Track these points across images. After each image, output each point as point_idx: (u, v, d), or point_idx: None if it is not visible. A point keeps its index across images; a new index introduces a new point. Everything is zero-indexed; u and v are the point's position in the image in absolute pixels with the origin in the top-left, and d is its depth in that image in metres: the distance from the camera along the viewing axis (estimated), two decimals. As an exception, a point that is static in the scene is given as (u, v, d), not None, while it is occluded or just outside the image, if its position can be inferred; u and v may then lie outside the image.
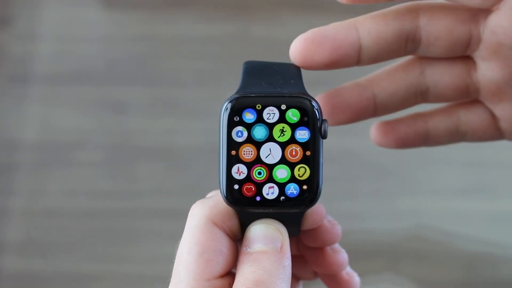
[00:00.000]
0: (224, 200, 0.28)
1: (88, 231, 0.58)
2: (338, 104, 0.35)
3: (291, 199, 0.28)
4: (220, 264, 0.28)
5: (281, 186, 0.28)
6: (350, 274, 0.34)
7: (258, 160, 0.28)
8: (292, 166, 0.28)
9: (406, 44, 0.33)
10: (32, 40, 0.66)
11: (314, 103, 0.28)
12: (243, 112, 0.28)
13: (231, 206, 0.28)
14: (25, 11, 0.67)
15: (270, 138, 0.28)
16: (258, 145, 0.28)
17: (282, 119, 0.28)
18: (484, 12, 0.32)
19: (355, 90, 0.35)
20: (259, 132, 0.28)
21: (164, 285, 0.29)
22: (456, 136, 0.37)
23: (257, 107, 0.28)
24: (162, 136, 0.62)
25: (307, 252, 0.33)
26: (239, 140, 0.28)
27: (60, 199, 0.60)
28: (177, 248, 0.29)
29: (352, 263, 0.34)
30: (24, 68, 0.64)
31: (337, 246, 0.33)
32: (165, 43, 0.66)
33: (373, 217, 0.59)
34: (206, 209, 0.29)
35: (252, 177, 0.28)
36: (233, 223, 0.29)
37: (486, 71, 0.33)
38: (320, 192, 0.28)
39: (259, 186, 0.28)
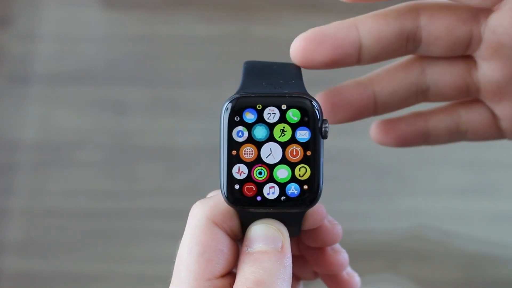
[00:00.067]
0: (224, 200, 0.28)
1: (88, 231, 0.58)
2: (338, 103, 0.35)
3: (291, 199, 0.28)
4: (220, 264, 0.28)
5: (282, 186, 0.28)
6: (350, 274, 0.34)
7: (258, 160, 0.28)
8: (292, 166, 0.28)
9: (407, 44, 0.33)
10: (32, 40, 0.66)
11: (314, 103, 0.28)
12: (244, 112, 0.28)
13: (232, 206, 0.28)
14: (25, 11, 0.67)
15: (271, 138, 0.28)
16: (258, 145, 0.28)
17: (282, 119, 0.28)
18: (485, 11, 0.32)
19: (356, 89, 0.35)
20: (260, 132, 0.28)
21: (164, 285, 0.29)
22: (457, 135, 0.37)
23: (257, 107, 0.28)
24: (162, 136, 0.62)
25: (307, 252, 0.33)
26: (240, 140, 0.28)
27: (60, 199, 0.60)
28: (178, 248, 0.29)
29: (352, 263, 0.34)
30: (24, 68, 0.64)
31: (337, 246, 0.33)
32: (165, 43, 0.66)
33: (373, 217, 0.59)
34: (207, 209, 0.29)
35: (253, 177, 0.28)
36: (234, 223, 0.29)
37: (487, 70, 0.33)
38: (320, 192, 0.28)
39: (260, 186, 0.28)
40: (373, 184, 0.60)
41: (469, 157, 0.60)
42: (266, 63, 0.32)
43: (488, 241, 0.57)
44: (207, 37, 0.66)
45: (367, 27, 0.33)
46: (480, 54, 0.33)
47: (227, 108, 0.28)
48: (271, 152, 0.28)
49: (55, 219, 0.59)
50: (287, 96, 0.28)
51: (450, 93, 0.35)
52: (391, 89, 0.35)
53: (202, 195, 0.31)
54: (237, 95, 0.28)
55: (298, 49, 0.32)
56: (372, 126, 0.38)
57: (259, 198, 0.28)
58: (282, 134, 0.28)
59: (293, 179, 0.28)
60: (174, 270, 0.29)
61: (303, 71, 0.33)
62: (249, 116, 0.28)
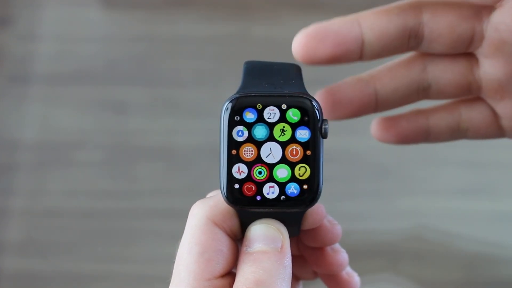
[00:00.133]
0: (224, 200, 0.28)
1: (88, 231, 0.58)
2: (339, 99, 0.35)
3: (291, 198, 0.28)
4: (220, 264, 0.28)
5: (282, 186, 0.28)
6: (350, 274, 0.34)
7: (258, 160, 0.28)
8: (292, 165, 0.28)
9: (409, 40, 0.33)
10: (32, 40, 0.66)
11: (314, 103, 0.28)
12: (244, 112, 0.28)
13: (232, 206, 0.28)
14: (25, 11, 0.67)
15: (271, 138, 0.28)
16: (258, 144, 0.28)
17: (282, 118, 0.28)
18: (487, 9, 0.32)
19: (357, 86, 0.35)
20: (260, 132, 0.28)
21: (164, 285, 0.29)
22: (457, 133, 0.37)
23: (257, 106, 0.28)
24: (162, 136, 0.62)
25: (307, 252, 0.33)
26: (240, 139, 0.28)
27: (60, 199, 0.60)
28: (178, 248, 0.29)
29: (352, 263, 0.34)
30: (24, 68, 0.64)
31: (337, 246, 0.33)
32: (165, 43, 0.66)
33: (373, 217, 0.59)
34: (207, 209, 0.29)
35: (253, 177, 0.28)
36: (234, 223, 0.29)
37: (489, 68, 0.33)
38: (320, 192, 0.28)
39: (260, 185, 0.28)
40: (373, 184, 0.60)
41: (469, 157, 0.60)
42: (266, 63, 0.32)
43: (488, 241, 0.57)
44: (207, 37, 0.66)
45: (369, 23, 0.33)
46: (482, 52, 0.33)
47: (227, 108, 0.28)
48: (271, 152, 0.28)
49: (55, 219, 0.59)
50: (287, 96, 0.28)
51: (451, 91, 0.35)
52: (392, 86, 0.35)
53: (202, 195, 0.31)
54: (237, 95, 0.28)
55: (300, 45, 0.32)
56: (373, 123, 0.38)
57: (258, 198, 0.28)
58: (282, 134, 0.28)
59: (293, 178, 0.28)
60: (174, 270, 0.29)
61: (303, 71, 0.33)
62: (249, 116, 0.28)
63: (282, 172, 0.28)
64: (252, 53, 0.58)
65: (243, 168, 0.28)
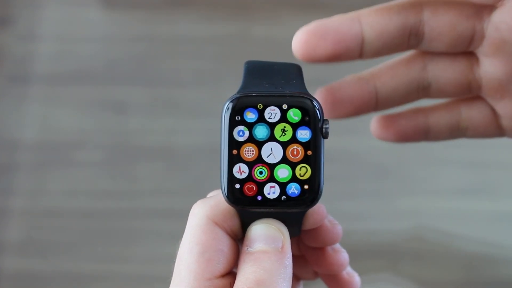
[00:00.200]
0: (225, 200, 0.28)
1: (88, 231, 0.58)
2: (339, 98, 0.35)
3: (292, 198, 0.28)
4: (221, 263, 0.28)
5: (282, 186, 0.28)
6: (350, 274, 0.34)
7: (259, 160, 0.28)
8: (293, 165, 0.28)
9: (409, 39, 0.33)
10: (32, 40, 0.66)
11: (315, 103, 0.28)
12: (245, 112, 0.28)
13: (232, 206, 0.28)
14: (25, 11, 0.67)
15: (272, 138, 0.28)
16: (259, 144, 0.28)
17: (283, 118, 0.28)
18: (488, 8, 0.32)
19: (357, 84, 0.35)
20: (261, 132, 0.28)
21: (164, 285, 0.29)
22: (457, 132, 0.37)
23: (258, 106, 0.28)
24: (162, 136, 0.62)
25: (307, 252, 0.33)
26: (241, 139, 0.28)
27: (60, 199, 0.60)
28: (178, 248, 0.29)
29: (353, 263, 0.34)
30: (24, 68, 0.64)
31: (337, 246, 0.33)
32: (165, 43, 0.66)
33: (373, 217, 0.59)
34: (207, 209, 0.29)
35: (254, 177, 0.28)
36: (234, 222, 0.29)
37: (489, 67, 0.33)
38: (321, 192, 0.28)
39: (260, 185, 0.28)
40: (373, 184, 0.60)
41: (469, 157, 0.60)
42: (267, 63, 0.32)
43: (488, 241, 0.57)
44: (207, 37, 0.66)
45: (369, 21, 0.33)
46: (483, 51, 0.33)
47: (228, 108, 0.28)
48: (272, 152, 0.28)
49: (55, 219, 0.59)
50: (288, 96, 0.28)
51: (451, 90, 0.35)
52: (392, 84, 0.35)
53: (202, 195, 0.31)
54: (238, 95, 0.28)
55: (300, 42, 0.32)
56: (373, 121, 0.38)
57: (259, 198, 0.28)
58: (283, 134, 0.28)
59: (294, 178, 0.28)
60: (174, 270, 0.29)
61: (304, 70, 0.33)
62: (250, 116, 0.28)
63: (283, 172, 0.28)
64: (252, 53, 0.58)
65: (244, 168, 0.28)
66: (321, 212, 0.30)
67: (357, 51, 0.33)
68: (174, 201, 0.59)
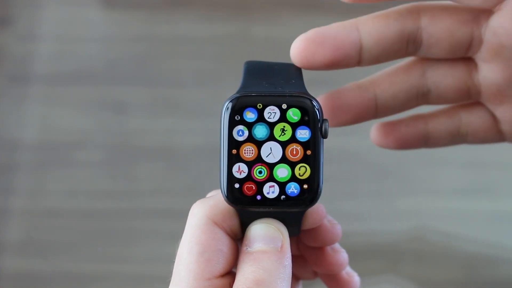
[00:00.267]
0: (224, 199, 0.28)
1: (88, 231, 0.58)
2: (339, 105, 0.35)
3: (291, 198, 0.28)
4: (220, 263, 0.28)
5: (282, 185, 0.28)
6: (350, 274, 0.34)
7: (258, 159, 0.28)
8: (292, 165, 0.28)
9: (407, 45, 0.33)
10: (32, 40, 0.66)
11: (314, 103, 0.28)
12: (244, 111, 0.28)
13: (232, 205, 0.28)
14: (25, 11, 0.67)
15: (271, 137, 0.28)
16: (259, 144, 0.28)
17: (283, 118, 0.28)
18: (485, 13, 0.32)
19: (356, 92, 0.35)
20: (260, 131, 0.28)
21: (164, 285, 0.29)
22: (457, 138, 0.37)
23: (258, 106, 0.28)
24: (162, 136, 0.62)
25: (307, 251, 0.33)
26: (240, 139, 0.28)
27: (60, 199, 0.60)
28: (177, 248, 0.29)
29: (352, 263, 0.34)
30: (24, 68, 0.64)
31: (337, 245, 0.33)
32: (165, 43, 0.66)
33: (373, 217, 0.59)
34: (207, 209, 0.29)
35: (253, 176, 0.28)
36: (234, 222, 0.29)
37: (488, 73, 0.33)
38: (320, 192, 0.28)
39: (260, 185, 0.28)
40: (373, 184, 0.60)
41: (469, 157, 0.60)
42: (266, 63, 0.32)
43: (488, 241, 0.57)
44: (207, 37, 0.66)
45: (367, 28, 0.33)
46: (481, 56, 0.33)
47: (228, 107, 0.28)
48: (271, 151, 0.28)
49: (55, 219, 0.59)
50: (288, 96, 0.28)
51: (451, 96, 0.35)
52: (392, 91, 0.35)
53: (202, 195, 0.31)
54: (238, 95, 0.28)
55: (298, 50, 0.32)
56: (372, 128, 0.38)
57: (259, 197, 0.28)
58: (282, 134, 0.28)
59: (293, 178, 0.28)
60: (173, 270, 0.29)
61: (304, 71, 0.33)
62: (250, 115, 0.28)
63: (282, 172, 0.28)
64: (252, 53, 0.58)
65: (243, 167, 0.28)
66: (321, 211, 0.30)
67: (355, 58, 0.33)
68: (174, 201, 0.59)
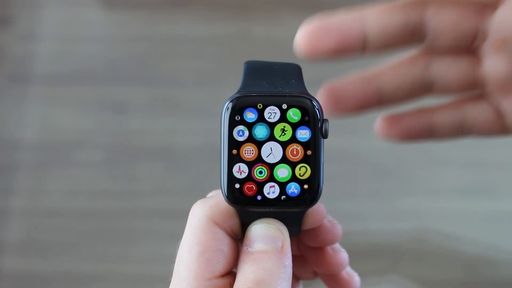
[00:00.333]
0: (225, 199, 0.28)
1: (88, 231, 0.58)
2: (342, 96, 0.35)
3: (292, 198, 0.28)
4: (221, 263, 0.28)
5: (282, 186, 0.28)
6: (350, 274, 0.34)
7: (259, 159, 0.28)
8: (293, 165, 0.28)
9: (412, 37, 0.33)
10: (32, 40, 0.66)
11: (315, 103, 0.28)
12: (244, 112, 0.28)
13: (232, 205, 0.28)
14: (25, 11, 0.67)
15: (271, 138, 0.28)
16: (259, 144, 0.28)
17: (283, 118, 0.28)
18: (491, 6, 0.32)
19: (360, 83, 0.35)
20: (260, 131, 0.28)
21: (164, 285, 0.29)
22: (462, 131, 0.37)
23: (258, 106, 0.28)
24: (162, 136, 0.62)
25: (307, 251, 0.33)
26: (240, 139, 0.28)
27: (60, 199, 0.60)
28: (178, 248, 0.29)
29: (352, 263, 0.34)
30: (24, 68, 0.64)
31: (337, 245, 0.33)
32: (165, 43, 0.66)
33: (373, 217, 0.59)
34: (207, 209, 0.29)
35: (253, 176, 0.28)
36: (234, 222, 0.29)
37: (492, 65, 0.33)
38: (321, 192, 0.28)
39: (260, 185, 0.28)
40: (373, 184, 0.60)
41: (469, 157, 0.60)
42: (266, 62, 0.32)
43: (488, 241, 0.57)
44: (207, 37, 0.66)
45: (373, 18, 0.33)
46: (486, 49, 0.33)
47: (228, 108, 0.28)
48: (272, 152, 0.28)
49: (55, 219, 0.59)
50: (288, 96, 0.28)
51: (455, 88, 0.35)
52: (395, 83, 0.35)
53: (202, 195, 0.31)
54: (238, 95, 0.28)
55: (303, 38, 0.32)
56: (378, 120, 0.37)
57: (259, 198, 0.28)
58: (283, 134, 0.28)
59: (294, 178, 0.28)
60: (174, 270, 0.29)
61: (304, 71, 0.33)
62: (250, 116, 0.28)
63: (282, 172, 0.28)
64: (252, 53, 0.58)
65: (244, 167, 0.28)
66: (321, 211, 0.30)
67: (359, 48, 0.33)
68: (174, 201, 0.59)
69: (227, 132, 0.28)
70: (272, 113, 0.28)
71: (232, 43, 0.65)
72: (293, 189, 0.28)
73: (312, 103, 0.28)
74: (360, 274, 0.35)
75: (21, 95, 0.63)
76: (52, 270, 0.57)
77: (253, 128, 0.28)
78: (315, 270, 0.34)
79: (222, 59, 0.65)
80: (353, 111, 0.36)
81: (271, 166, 0.28)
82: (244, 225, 0.29)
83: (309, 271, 0.35)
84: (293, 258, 0.28)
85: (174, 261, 0.29)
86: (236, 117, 0.28)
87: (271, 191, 0.28)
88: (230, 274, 0.28)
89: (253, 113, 0.28)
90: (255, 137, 0.28)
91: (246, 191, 0.28)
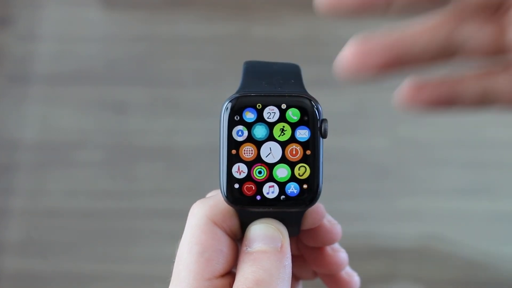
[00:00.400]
0: (224, 200, 0.28)
1: (88, 231, 0.58)
2: (369, 51, 0.34)
3: (291, 198, 0.28)
4: (220, 263, 0.28)
5: (282, 185, 0.28)
6: (349, 274, 0.34)
7: (258, 159, 0.28)
8: (292, 165, 0.28)
9: None
10: (32, 40, 0.66)
11: (314, 103, 0.28)
12: (244, 112, 0.27)
13: (232, 206, 0.28)
14: (25, 11, 0.67)
15: (271, 137, 0.28)
16: (258, 144, 0.28)
17: (282, 118, 0.28)
18: None
19: (386, 39, 0.35)
20: (260, 131, 0.28)
21: (164, 285, 0.29)
22: (485, 101, 0.36)
23: (257, 106, 0.27)
24: (162, 136, 0.62)
25: (307, 251, 0.33)
26: (240, 139, 0.28)
27: (60, 199, 0.60)
28: (177, 248, 0.29)
29: (352, 263, 0.34)
30: (24, 68, 0.64)
31: (337, 245, 0.33)
32: (165, 43, 0.66)
33: (373, 217, 0.59)
34: (207, 209, 0.29)
35: (253, 176, 0.28)
36: (234, 222, 0.29)
37: None
38: (320, 192, 0.28)
39: (260, 185, 0.28)
40: (373, 184, 0.60)
41: (469, 157, 0.60)
42: (266, 63, 0.32)
43: (488, 241, 0.57)
44: (207, 37, 0.66)
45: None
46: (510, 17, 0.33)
47: (227, 108, 0.27)
48: (271, 152, 0.28)
49: (55, 219, 0.59)
50: (287, 96, 0.28)
51: (483, 51, 0.35)
52: (423, 44, 0.35)
53: (202, 195, 0.31)
54: (237, 95, 0.28)
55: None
56: (401, 87, 0.37)
57: (258, 197, 0.28)
58: (282, 134, 0.28)
59: (293, 178, 0.28)
60: (173, 270, 0.29)
61: (303, 71, 0.33)
62: (249, 116, 0.28)
63: (282, 172, 0.28)
64: (252, 53, 0.58)
65: (243, 167, 0.28)
66: (320, 211, 0.30)
67: (384, 4, 0.32)
68: (174, 201, 0.59)
69: (226, 132, 0.28)
70: (271, 113, 0.28)
71: (232, 43, 0.65)
72: (292, 189, 0.28)
73: (311, 103, 0.28)
74: (359, 274, 0.35)
75: (21, 95, 0.63)
76: (52, 270, 0.57)
77: (252, 128, 0.28)
78: (315, 270, 0.34)
79: (222, 59, 0.65)
80: (379, 68, 0.35)
81: (271, 166, 0.28)
82: (244, 225, 0.29)
83: (308, 271, 0.35)
84: (292, 258, 0.28)
85: (174, 261, 0.29)
86: (235, 117, 0.27)
87: (270, 191, 0.28)
88: (230, 274, 0.28)
89: (252, 113, 0.28)
90: (254, 137, 0.28)
91: (246, 191, 0.28)
